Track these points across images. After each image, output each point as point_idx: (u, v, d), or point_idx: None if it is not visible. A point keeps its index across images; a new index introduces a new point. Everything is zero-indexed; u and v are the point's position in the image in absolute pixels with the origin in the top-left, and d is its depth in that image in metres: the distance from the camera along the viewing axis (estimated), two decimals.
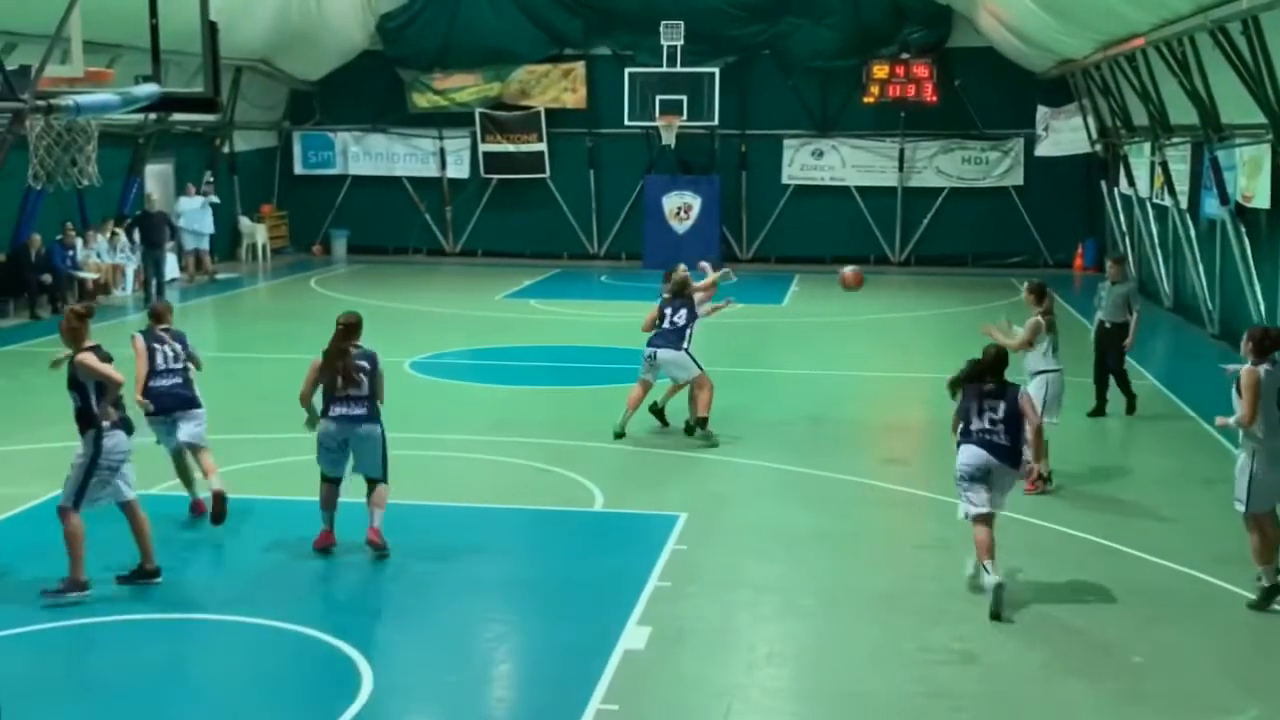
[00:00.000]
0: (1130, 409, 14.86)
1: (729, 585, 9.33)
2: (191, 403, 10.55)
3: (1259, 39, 15.23)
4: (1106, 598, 9.21)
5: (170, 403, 10.42)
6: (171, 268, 25.61)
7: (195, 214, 27.12)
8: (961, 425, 9.11)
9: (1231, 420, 8.88)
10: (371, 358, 9.87)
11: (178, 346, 10.58)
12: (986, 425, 8.97)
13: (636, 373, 13.61)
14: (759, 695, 7.62)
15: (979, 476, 8.91)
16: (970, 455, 8.96)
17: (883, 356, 19.65)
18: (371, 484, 9.78)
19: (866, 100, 29.76)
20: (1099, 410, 14.70)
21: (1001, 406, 8.97)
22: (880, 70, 29.48)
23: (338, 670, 7.74)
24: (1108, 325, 14.68)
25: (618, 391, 14.28)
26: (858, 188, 30.70)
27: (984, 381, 9.06)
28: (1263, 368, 8.76)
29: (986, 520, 8.87)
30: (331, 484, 9.84)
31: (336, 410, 9.67)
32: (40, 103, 4.52)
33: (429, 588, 9.23)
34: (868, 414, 15.89)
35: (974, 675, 7.89)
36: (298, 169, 32.37)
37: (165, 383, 10.41)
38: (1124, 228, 27.32)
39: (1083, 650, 8.27)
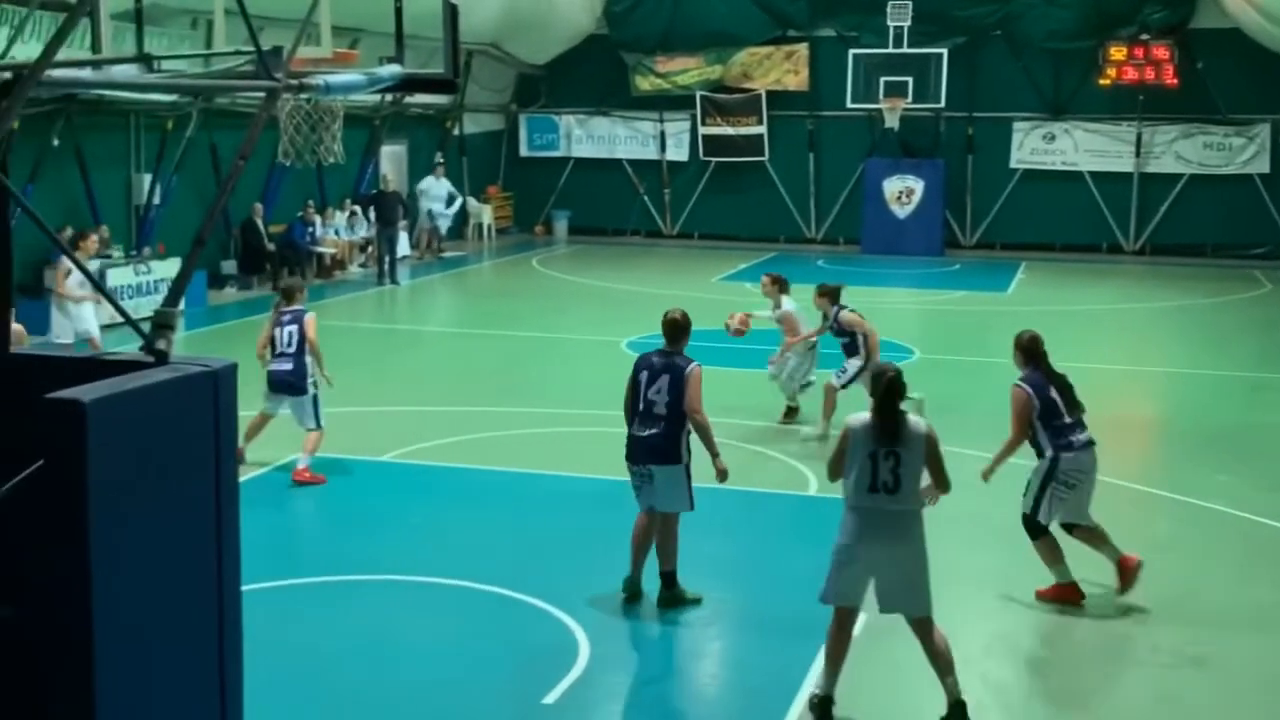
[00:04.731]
0: None
1: None
2: (293, 388, 11.04)
3: None
4: None
5: (277, 386, 11.08)
6: (403, 245, 26.49)
7: (438, 195, 27.76)
8: None
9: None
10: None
11: (294, 329, 11.01)
12: None
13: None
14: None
15: None
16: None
17: (1118, 349, 18.88)
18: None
19: (1102, 83, 28.59)
20: None
21: None
22: (1117, 52, 28.29)
23: (555, 640, 7.89)
24: None
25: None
26: (1091, 173, 29.56)
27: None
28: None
29: None
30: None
31: None
32: (293, 82, 4.71)
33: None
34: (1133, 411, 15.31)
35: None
36: (523, 151, 33.03)
37: (276, 366, 11.05)
38: None
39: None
